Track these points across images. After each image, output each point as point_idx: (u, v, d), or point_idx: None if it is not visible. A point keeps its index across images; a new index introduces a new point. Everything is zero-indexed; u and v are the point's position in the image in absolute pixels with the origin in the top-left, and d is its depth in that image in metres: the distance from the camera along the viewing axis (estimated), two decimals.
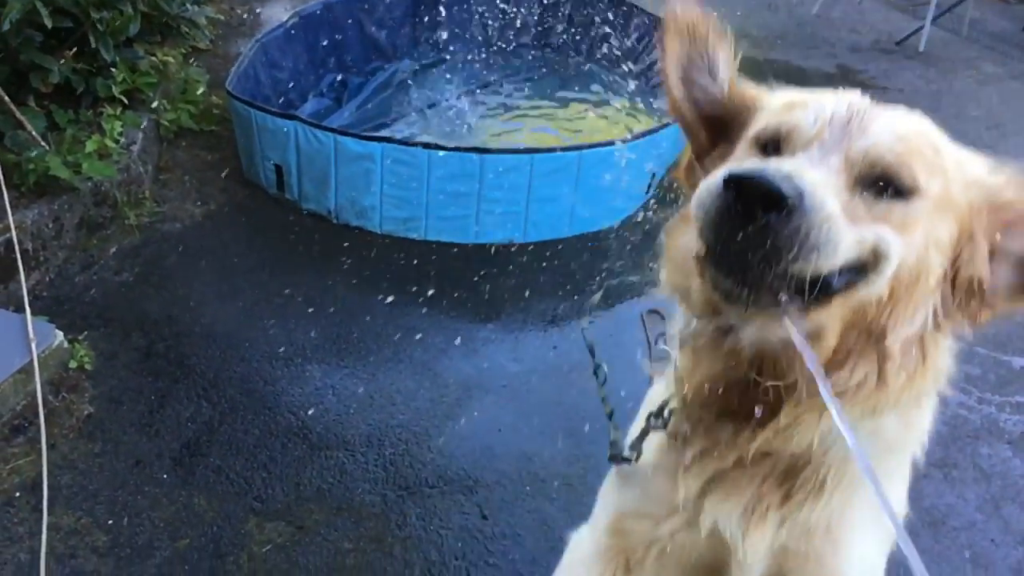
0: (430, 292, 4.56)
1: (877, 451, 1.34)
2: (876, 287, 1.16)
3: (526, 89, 6.83)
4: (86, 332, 3.88)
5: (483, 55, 7.18)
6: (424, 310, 4.40)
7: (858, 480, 1.35)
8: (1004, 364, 4.44)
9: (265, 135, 4.93)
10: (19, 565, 2.87)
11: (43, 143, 4.36)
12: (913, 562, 0.81)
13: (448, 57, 7.05)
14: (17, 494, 3.11)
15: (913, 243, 1.15)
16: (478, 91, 6.62)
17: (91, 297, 4.15)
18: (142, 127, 5.08)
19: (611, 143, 5.06)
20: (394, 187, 4.79)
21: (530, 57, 7.39)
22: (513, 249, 5.00)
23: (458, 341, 4.20)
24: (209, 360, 3.88)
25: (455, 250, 4.92)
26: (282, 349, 4.00)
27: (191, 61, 6.05)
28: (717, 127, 1.42)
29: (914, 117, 1.25)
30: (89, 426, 3.44)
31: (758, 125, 1.26)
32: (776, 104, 1.29)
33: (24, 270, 3.85)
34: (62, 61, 4.55)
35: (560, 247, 5.08)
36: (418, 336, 4.20)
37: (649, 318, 4.51)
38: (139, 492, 3.20)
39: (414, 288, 4.57)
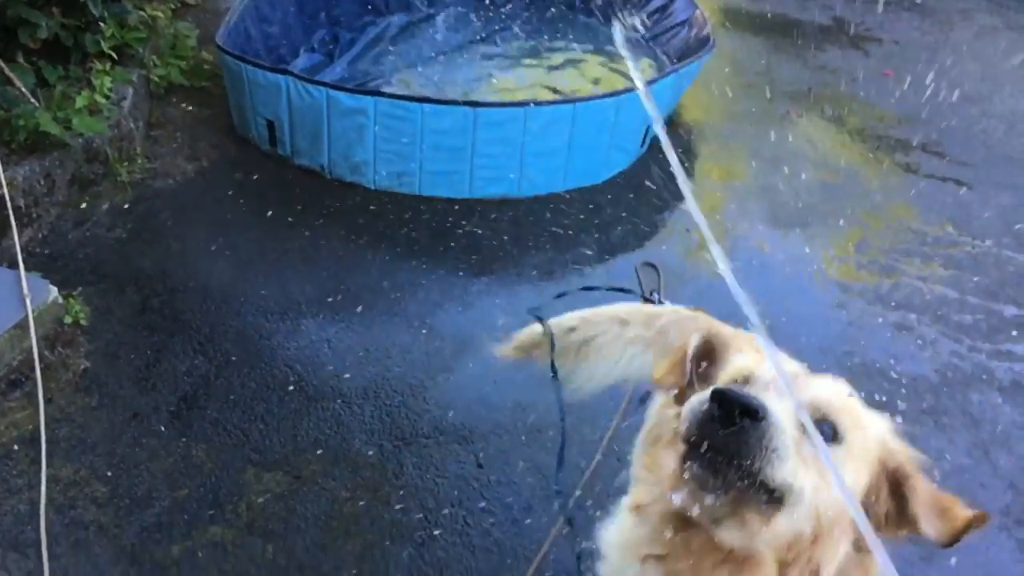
0: (425, 246, 4.56)
1: None
2: (799, 520, 1.37)
3: (520, 42, 6.77)
4: (80, 288, 3.88)
5: (476, 8, 7.11)
6: (418, 264, 4.40)
7: None
8: (995, 313, 4.47)
9: (256, 90, 4.89)
10: (19, 516, 2.90)
11: (32, 99, 4.33)
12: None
13: (441, 11, 6.98)
14: (15, 447, 3.13)
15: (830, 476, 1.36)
16: (472, 44, 6.57)
17: (85, 253, 4.14)
18: (132, 83, 5.04)
19: (606, 95, 5.03)
20: (387, 142, 4.76)
21: (524, 10, 7.31)
22: (508, 203, 5.00)
23: (453, 295, 4.22)
24: (204, 315, 3.89)
25: (450, 204, 4.91)
26: (277, 304, 4.01)
27: (180, 16, 5.98)
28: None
29: (841, 384, 1.53)
30: (85, 380, 3.46)
31: (732, 365, 1.56)
32: (746, 352, 1.59)
33: (17, 227, 3.84)
34: (51, 17, 4.50)
35: (555, 201, 5.07)
36: (413, 290, 4.21)
37: (643, 270, 4.52)
38: (137, 444, 3.22)
39: (408, 243, 4.57)
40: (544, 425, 3.49)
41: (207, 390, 3.49)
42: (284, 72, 4.77)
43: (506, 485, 3.22)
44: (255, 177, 4.94)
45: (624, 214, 4.99)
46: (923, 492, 1.43)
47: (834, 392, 1.49)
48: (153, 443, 3.24)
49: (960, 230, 5.20)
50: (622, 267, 4.57)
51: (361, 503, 3.10)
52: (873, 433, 1.48)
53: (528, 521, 3.09)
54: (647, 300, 4.28)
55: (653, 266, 4.57)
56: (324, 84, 4.74)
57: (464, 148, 4.76)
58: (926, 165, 5.92)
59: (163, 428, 3.30)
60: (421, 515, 3.08)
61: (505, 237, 4.70)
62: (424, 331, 3.97)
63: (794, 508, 1.35)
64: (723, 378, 1.55)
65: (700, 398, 1.36)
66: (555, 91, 6.00)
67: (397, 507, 3.10)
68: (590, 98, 5.00)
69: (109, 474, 3.09)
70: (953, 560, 2.92)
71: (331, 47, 6.12)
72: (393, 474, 3.23)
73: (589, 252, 4.67)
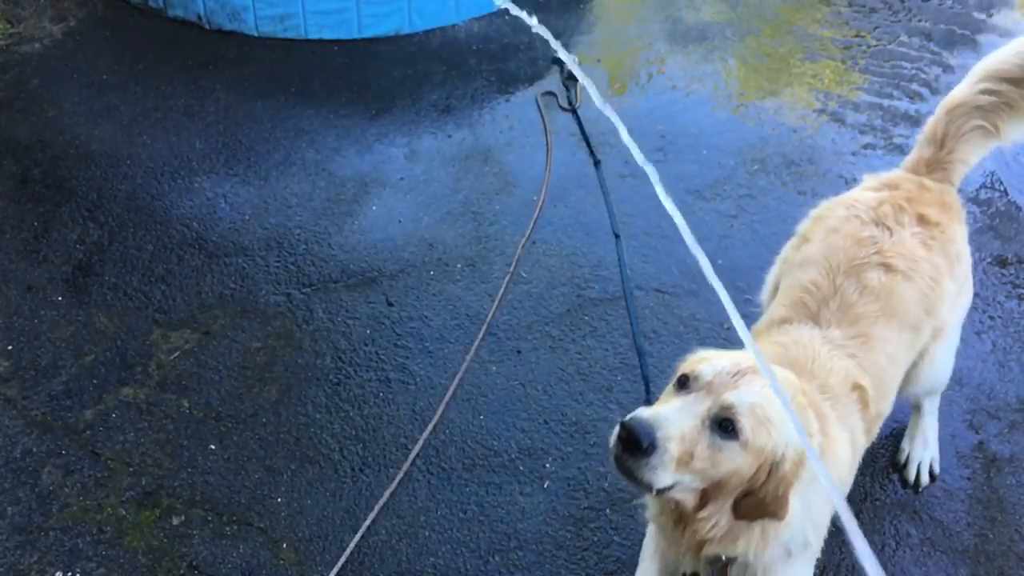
0: (317, 92, 4.41)
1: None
2: (688, 487, 1.81)
3: None
4: None
5: None
6: (312, 110, 4.26)
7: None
8: (888, 109, 4.54)
9: None
10: None
11: None
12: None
13: None
14: None
15: (721, 468, 1.76)
16: None
17: None
18: None
19: None
20: None
21: None
22: (400, 40, 4.82)
23: (350, 138, 4.11)
24: (90, 181, 3.73)
25: (339, 47, 4.71)
26: (166, 163, 3.86)
27: None
28: None
29: (769, 391, 1.77)
30: None
31: (681, 370, 1.86)
32: (694, 357, 1.88)
33: None
34: None
35: (448, 34, 4.90)
36: (308, 137, 4.09)
37: (544, 100, 4.46)
38: (35, 316, 3.14)
39: (299, 89, 4.40)
40: (451, 258, 3.50)
41: (102, 256, 3.40)
42: None
43: (417, 319, 3.25)
44: (128, 34, 4.65)
45: (521, 42, 4.86)
46: (773, 492, 1.80)
47: (750, 397, 1.75)
48: (52, 314, 3.16)
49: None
50: (522, 98, 4.49)
51: (274, 351, 3.11)
52: (772, 437, 1.76)
53: (442, 351, 3.14)
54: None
55: (553, 94, 4.51)
56: None
57: None
58: None
59: (60, 298, 3.22)
60: (335, 356, 3.10)
61: (400, 76, 4.56)
62: (323, 178, 3.88)
63: (676, 489, 1.80)
64: (672, 384, 1.88)
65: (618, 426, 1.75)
66: None
67: (310, 351, 3.12)
68: None
69: (9, 348, 3.03)
70: None
71: None
72: (304, 320, 3.23)
73: (488, 84, 4.57)
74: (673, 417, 1.75)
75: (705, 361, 1.85)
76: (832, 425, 2.02)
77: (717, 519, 1.87)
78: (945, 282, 2.28)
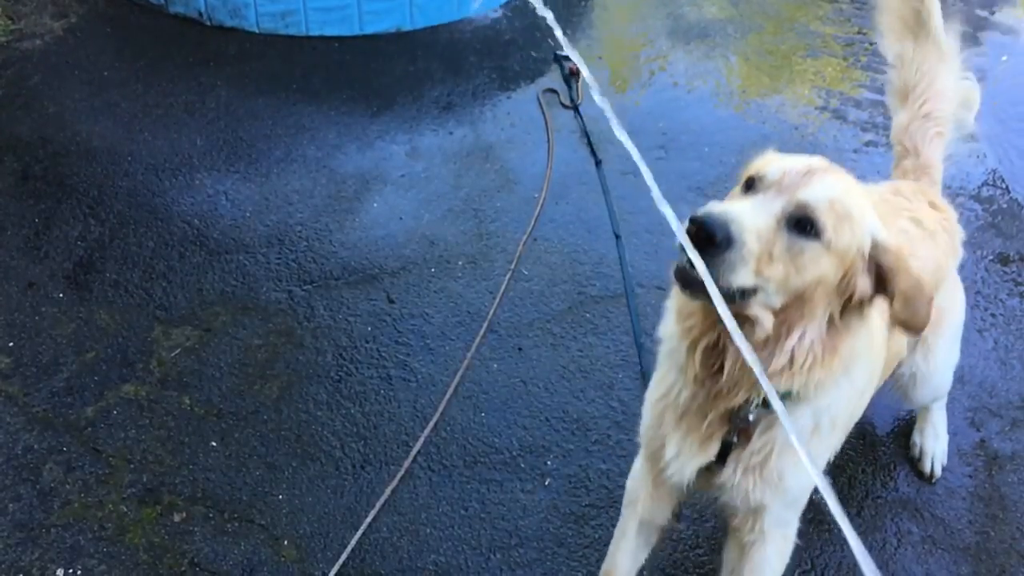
0: (318, 89, 4.40)
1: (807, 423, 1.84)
2: (771, 300, 1.61)
3: None
4: None
5: None
6: (313, 107, 4.25)
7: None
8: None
9: None
10: None
11: None
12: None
13: None
14: None
15: (805, 275, 1.59)
16: None
17: None
18: None
19: None
20: None
21: None
22: (401, 37, 4.81)
23: (351, 135, 4.11)
24: (91, 178, 3.73)
25: (340, 43, 4.71)
26: (167, 160, 3.86)
27: None
28: None
29: (848, 183, 1.66)
30: None
31: (747, 173, 1.73)
32: (759, 160, 1.75)
33: None
34: None
35: (449, 31, 4.90)
36: (309, 134, 4.09)
37: (545, 97, 4.45)
38: (36, 313, 3.14)
39: (301, 86, 4.40)
40: (452, 256, 3.50)
41: (103, 253, 3.39)
42: None
43: (418, 316, 3.25)
44: (129, 30, 4.64)
45: (522, 40, 4.85)
46: (903, 283, 1.64)
47: (826, 192, 1.60)
48: (53, 311, 3.16)
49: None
50: (524, 95, 4.48)
51: (275, 348, 3.10)
52: (860, 231, 1.63)
53: (443, 348, 3.14)
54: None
55: (554, 91, 4.50)
56: None
57: None
58: None
59: (61, 295, 3.22)
60: (336, 353, 3.10)
61: (401, 73, 4.55)
62: (324, 175, 3.88)
63: (757, 299, 1.61)
64: (739, 185, 1.75)
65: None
66: None
67: (311, 348, 3.11)
68: None
69: (11, 344, 3.02)
70: None
71: None
72: (304, 317, 3.23)
73: (490, 81, 4.56)
74: (747, 212, 1.58)
75: (772, 162, 1.72)
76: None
77: (808, 338, 1.67)
78: (951, 263, 2.38)
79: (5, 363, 2.96)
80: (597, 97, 1.55)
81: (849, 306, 1.67)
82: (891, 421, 2.94)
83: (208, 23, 4.69)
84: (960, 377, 3.01)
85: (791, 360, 1.67)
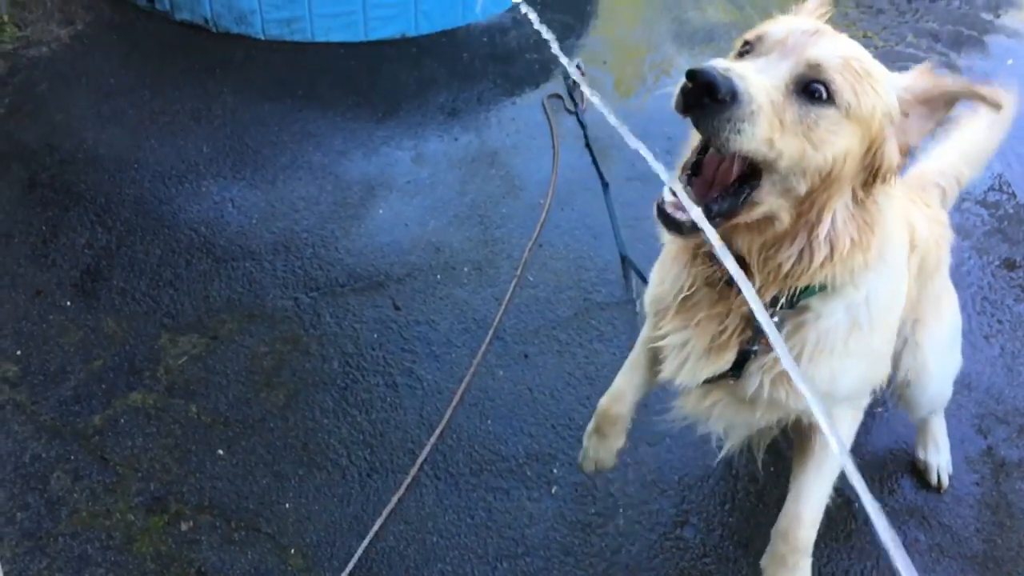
0: (324, 95, 4.41)
1: (844, 327, 1.69)
2: (789, 184, 1.44)
3: None
4: None
5: None
6: (319, 113, 4.26)
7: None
8: None
9: None
10: None
11: None
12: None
13: None
14: None
15: (826, 149, 1.41)
16: None
17: None
18: None
19: None
20: None
21: None
22: (406, 43, 4.82)
23: (357, 141, 4.11)
24: (98, 185, 3.74)
25: (345, 49, 4.71)
26: (174, 167, 3.87)
27: None
28: None
29: (856, 44, 1.48)
30: None
31: (743, 37, 1.55)
32: (759, 25, 1.56)
33: None
34: None
35: (454, 37, 4.90)
36: (315, 140, 4.10)
37: (550, 102, 4.46)
38: (44, 321, 3.15)
39: (307, 92, 4.41)
40: (457, 262, 3.50)
41: (110, 261, 3.40)
42: None
43: (424, 323, 3.25)
44: (135, 37, 4.66)
45: (528, 44, 4.86)
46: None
47: (839, 50, 1.42)
48: (60, 318, 3.17)
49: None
50: (529, 101, 4.49)
51: (281, 356, 3.11)
52: (883, 90, 1.44)
53: (449, 356, 3.14)
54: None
55: (559, 96, 4.50)
56: None
57: None
58: None
59: (69, 303, 3.23)
60: (342, 361, 3.11)
61: (406, 79, 4.56)
62: (330, 181, 3.88)
63: (772, 173, 1.42)
64: (733, 51, 1.57)
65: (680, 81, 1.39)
66: None
67: (318, 356, 3.12)
68: None
69: (19, 353, 3.04)
70: None
71: None
72: (311, 324, 3.23)
73: (495, 87, 4.57)
74: (751, 70, 1.39)
75: (775, 23, 1.51)
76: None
77: (839, 219, 1.48)
78: (943, 255, 2.32)
79: (13, 372, 2.97)
80: (603, 108, 1.46)
81: (875, 180, 1.49)
82: (894, 432, 2.94)
83: (214, 30, 4.70)
84: (967, 384, 3.01)
85: (832, 249, 1.50)
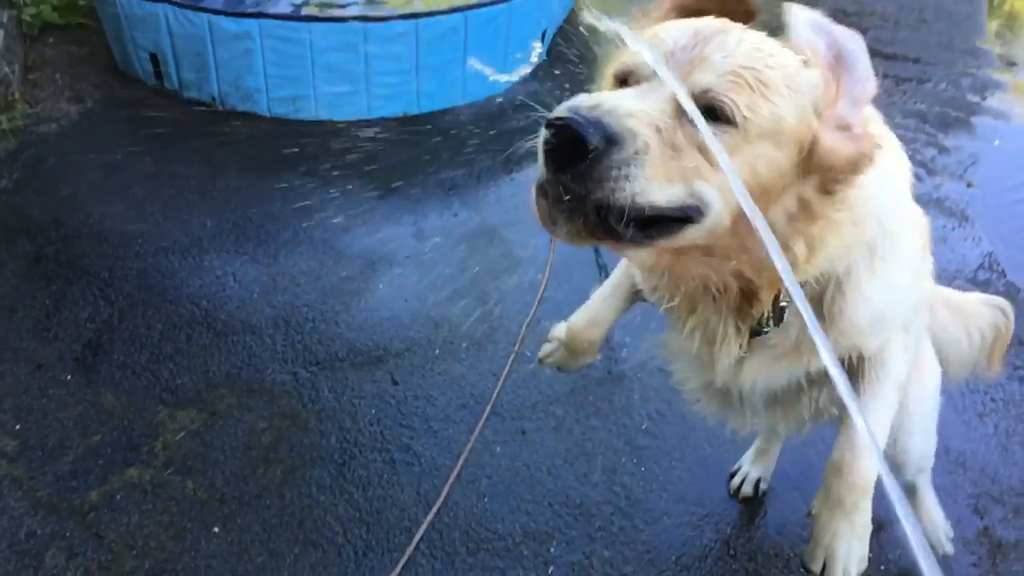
0: (326, 171, 4.50)
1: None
2: (712, 222, 1.29)
3: None
4: None
5: None
6: (322, 190, 4.35)
7: None
8: None
9: (134, 22, 4.69)
10: None
11: None
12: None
13: None
14: None
15: (741, 164, 1.26)
16: None
17: None
18: (2, 24, 4.77)
19: (497, 2, 4.95)
20: (278, 66, 4.64)
21: None
22: (407, 121, 4.93)
23: (358, 217, 4.19)
24: (102, 259, 3.79)
25: (349, 127, 4.83)
26: (177, 242, 3.93)
27: None
28: None
29: (753, 42, 1.31)
30: None
31: (617, 61, 1.39)
32: (631, 43, 1.37)
33: None
34: None
35: (455, 115, 5.03)
36: (317, 216, 4.17)
37: None
38: (43, 395, 3.17)
39: (310, 168, 4.50)
40: (456, 337, 3.54)
41: (111, 335, 3.44)
42: (160, 0, 4.57)
43: (422, 399, 3.27)
44: (143, 114, 4.77)
45: (524, 123, 4.96)
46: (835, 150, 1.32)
47: (726, 62, 1.27)
48: (60, 393, 3.19)
49: None
50: (527, 177, 4.58)
51: (279, 431, 3.12)
52: (783, 97, 1.29)
53: (447, 431, 3.15)
54: None
55: None
56: (204, 9, 4.56)
57: (357, 66, 4.67)
58: None
59: (69, 377, 3.25)
60: (340, 436, 3.11)
61: (407, 155, 4.66)
62: (331, 256, 3.94)
63: (691, 232, 1.28)
64: (608, 79, 1.40)
65: (541, 135, 1.22)
66: None
67: (315, 431, 3.13)
68: (481, 5, 4.91)
69: (17, 427, 3.04)
70: None
71: None
72: (309, 399, 3.25)
73: (494, 164, 4.67)
74: (627, 99, 1.23)
75: (647, 44, 1.31)
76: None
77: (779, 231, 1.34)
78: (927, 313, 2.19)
79: (11, 446, 2.98)
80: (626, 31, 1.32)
81: (836, 177, 1.34)
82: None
83: (220, 107, 4.82)
84: (962, 463, 3.02)
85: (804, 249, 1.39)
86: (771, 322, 1.61)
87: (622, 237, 1.26)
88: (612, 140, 1.15)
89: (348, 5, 5.51)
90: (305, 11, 5.03)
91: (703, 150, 1.23)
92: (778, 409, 1.97)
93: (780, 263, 1.05)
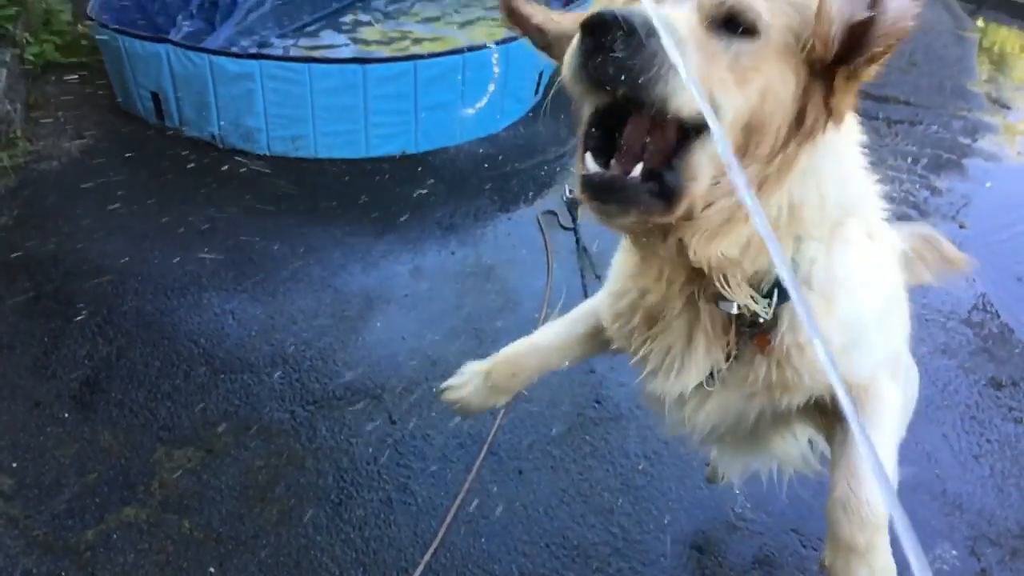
0: (325, 209, 4.54)
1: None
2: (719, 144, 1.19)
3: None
4: None
5: None
6: (320, 228, 4.38)
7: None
8: None
9: (136, 62, 4.74)
10: None
11: None
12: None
13: None
14: None
15: (757, 85, 1.22)
16: (360, 0, 6.46)
17: None
18: (5, 63, 4.83)
19: (495, 44, 5.03)
20: (278, 106, 4.69)
21: None
22: (406, 160, 4.98)
23: (356, 255, 4.21)
24: (101, 297, 3.81)
25: (347, 165, 4.88)
26: (176, 279, 3.95)
27: None
28: None
29: None
30: None
31: None
32: None
33: None
34: None
35: (453, 154, 5.08)
36: (316, 254, 4.20)
37: (545, 219, 4.59)
38: (41, 433, 3.17)
39: (309, 207, 4.54)
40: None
41: (109, 372, 3.44)
42: (162, 40, 4.64)
43: (420, 438, 3.27)
44: (144, 152, 4.82)
45: (521, 163, 5.03)
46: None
47: None
48: (58, 430, 3.19)
49: None
50: (524, 217, 4.62)
51: (276, 470, 3.12)
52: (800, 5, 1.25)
53: (444, 471, 3.15)
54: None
55: (554, 213, 4.64)
56: (206, 50, 4.63)
57: (356, 107, 4.73)
58: None
59: (67, 414, 3.25)
60: (337, 476, 3.11)
61: (405, 194, 4.70)
62: (329, 294, 3.96)
63: (704, 136, 1.21)
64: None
65: (574, 42, 1.19)
66: (448, 40, 5.97)
67: (312, 470, 3.13)
68: (479, 48, 4.98)
69: (14, 465, 3.04)
70: None
71: (211, 12, 5.94)
72: (307, 438, 3.25)
73: (491, 203, 4.71)
74: (655, 7, 1.16)
75: None
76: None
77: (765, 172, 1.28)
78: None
79: (8, 484, 2.97)
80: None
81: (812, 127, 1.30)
82: None
83: (221, 146, 4.87)
84: (958, 505, 3.03)
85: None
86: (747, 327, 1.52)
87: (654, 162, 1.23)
88: (651, 31, 1.10)
89: (340, 47, 5.63)
90: (294, 52, 5.14)
91: (732, 60, 1.21)
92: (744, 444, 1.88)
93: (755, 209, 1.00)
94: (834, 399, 1.63)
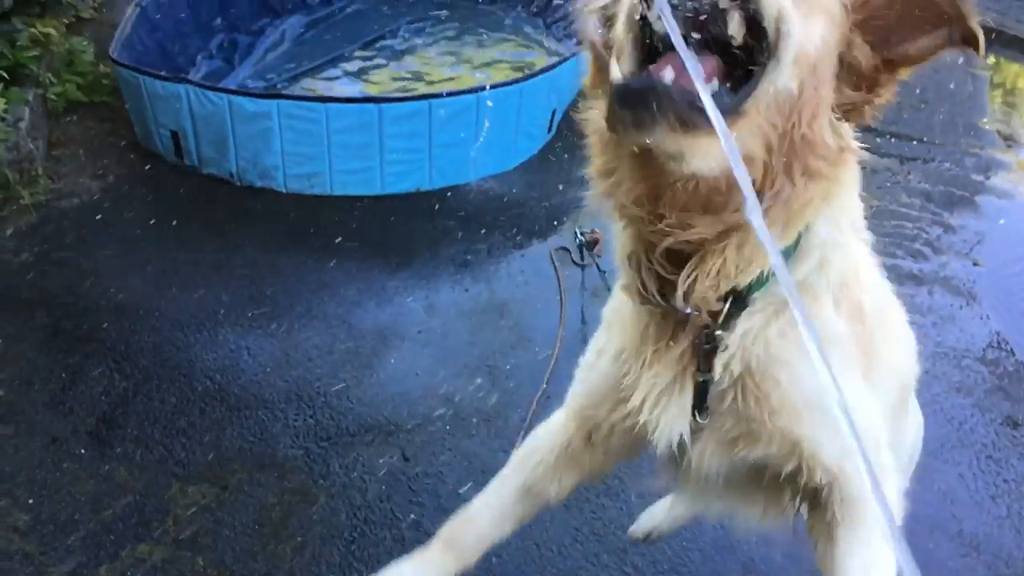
0: (340, 246, 4.58)
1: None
2: (783, 76, 1.12)
3: (423, 34, 6.79)
4: None
5: (376, 4, 7.09)
6: (335, 264, 4.42)
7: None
8: None
9: (157, 101, 4.83)
10: None
11: None
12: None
13: (340, 9, 6.96)
14: None
15: (817, 20, 1.13)
16: (375, 41, 6.56)
17: None
18: (28, 103, 4.92)
19: (509, 83, 5.09)
20: (295, 144, 4.76)
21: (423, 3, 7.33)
22: (420, 197, 5.03)
23: (371, 292, 4.25)
24: (119, 333, 3.85)
25: (363, 202, 4.93)
26: (193, 315, 3.99)
27: (76, 31, 5.84)
28: None
29: None
30: (0, 409, 3.41)
31: None
32: None
33: None
34: None
35: (467, 191, 5.13)
36: (330, 290, 4.23)
37: (558, 255, 4.62)
38: (57, 469, 3.19)
39: (324, 243, 4.58)
40: (467, 413, 3.56)
41: (126, 408, 3.47)
42: (183, 80, 4.73)
43: (433, 475, 3.28)
44: (163, 190, 4.89)
45: (535, 200, 5.07)
46: None
47: None
48: (74, 467, 3.21)
49: None
50: (537, 253, 4.65)
51: (289, 507, 3.13)
52: None
53: (457, 507, 3.13)
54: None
55: (567, 250, 4.67)
56: (225, 90, 4.71)
57: (372, 145, 4.79)
58: None
59: (83, 451, 3.27)
60: (350, 513, 3.12)
61: (419, 231, 4.75)
62: (344, 331, 3.99)
63: (782, 57, 1.10)
64: None
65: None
66: (463, 80, 6.05)
67: (326, 508, 3.14)
68: (493, 86, 5.04)
69: (31, 502, 3.06)
70: None
71: (230, 52, 6.05)
72: (320, 475, 3.26)
73: (504, 240, 4.74)
74: None
75: None
76: None
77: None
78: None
79: (24, 521, 2.99)
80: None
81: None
82: None
83: (238, 183, 4.93)
84: (975, 545, 3.00)
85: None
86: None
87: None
88: None
89: (355, 85, 5.72)
90: (266, 89, 5.23)
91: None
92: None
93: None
94: (810, 471, 1.42)
